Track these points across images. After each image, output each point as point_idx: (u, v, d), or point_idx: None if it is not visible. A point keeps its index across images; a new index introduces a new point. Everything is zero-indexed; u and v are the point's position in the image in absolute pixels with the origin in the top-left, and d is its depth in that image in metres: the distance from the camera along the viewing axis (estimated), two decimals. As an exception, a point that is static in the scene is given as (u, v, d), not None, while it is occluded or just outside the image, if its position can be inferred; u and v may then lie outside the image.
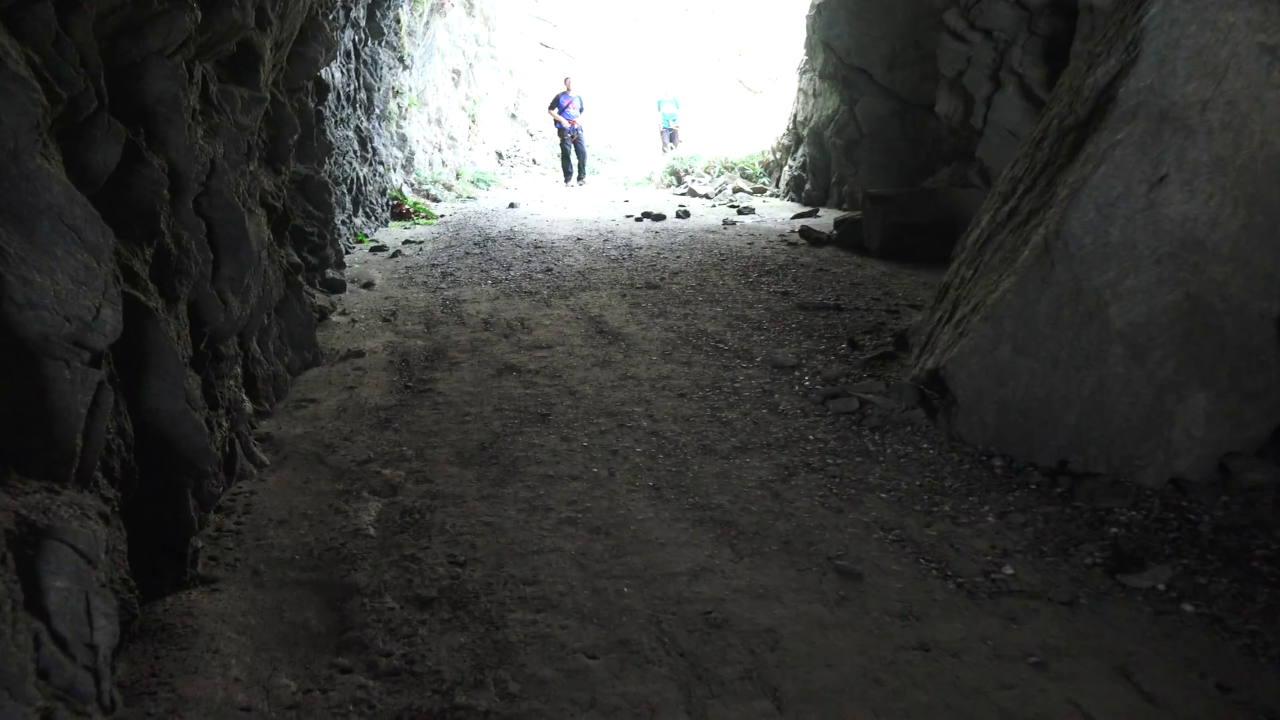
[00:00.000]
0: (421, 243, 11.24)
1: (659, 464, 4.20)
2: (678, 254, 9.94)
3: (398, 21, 14.49)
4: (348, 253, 10.36)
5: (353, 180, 11.46)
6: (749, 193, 17.16)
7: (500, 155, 22.12)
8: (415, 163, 16.58)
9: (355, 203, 11.68)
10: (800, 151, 15.78)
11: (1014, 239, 4.31)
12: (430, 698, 2.55)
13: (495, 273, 9.04)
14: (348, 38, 11.74)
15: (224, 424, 3.85)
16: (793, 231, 11.60)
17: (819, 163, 14.98)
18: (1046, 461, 3.99)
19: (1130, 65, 3.96)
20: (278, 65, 5.90)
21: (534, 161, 22.46)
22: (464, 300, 7.83)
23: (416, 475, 4.11)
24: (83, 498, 2.41)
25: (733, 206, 15.43)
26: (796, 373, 5.46)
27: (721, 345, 6.14)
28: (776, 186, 17.09)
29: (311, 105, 8.50)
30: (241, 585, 3.15)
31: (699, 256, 9.75)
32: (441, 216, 13.98)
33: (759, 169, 18.07)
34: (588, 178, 20.46)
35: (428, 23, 16.69)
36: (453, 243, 11.08)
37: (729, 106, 30.07)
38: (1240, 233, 3.76)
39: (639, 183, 20.14)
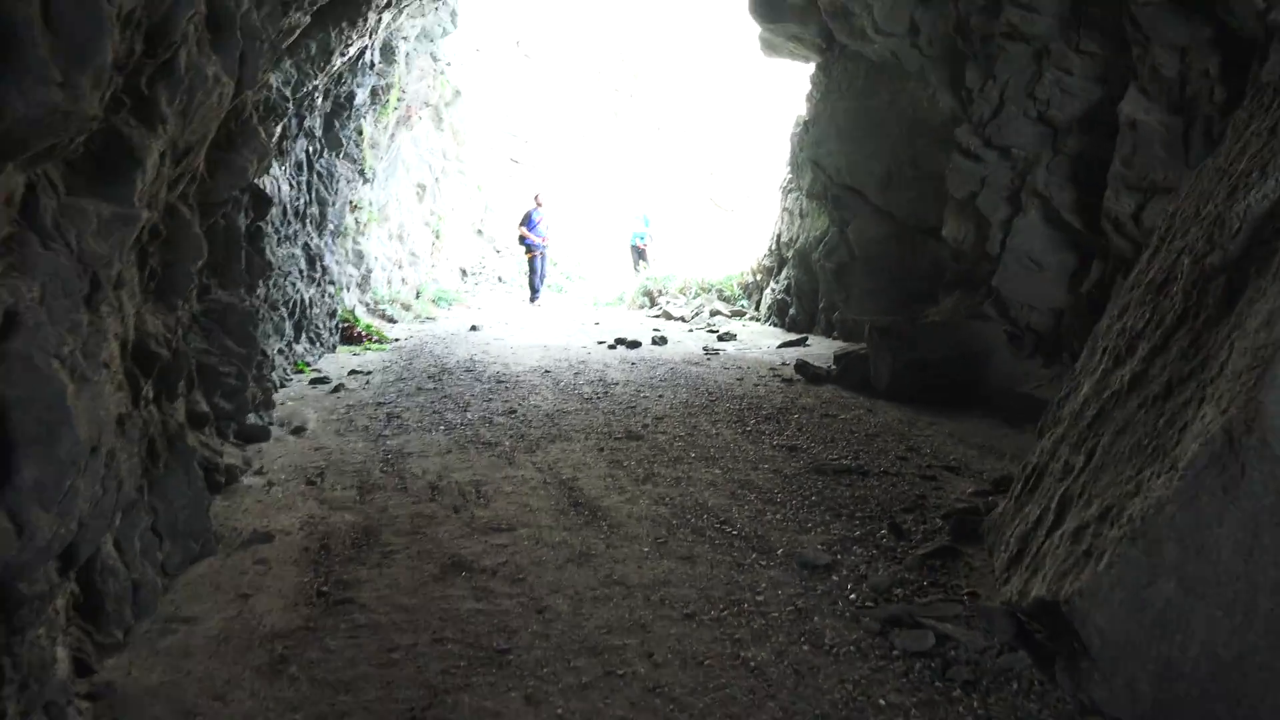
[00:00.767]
0: (370, 374, 9.98)
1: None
2: (660, 392, 8.76)
3: (359, 133, 13.56)
4: (282, 386, 9.07)
5: (295, 303, 10.25)
6: (727, 315, 16.21)
7: (464, 272, 21.15)
8: (373, 280, 15.46)
9: (298, 328, 10.45)
10: (784, 274, 14.89)
11: (1152, 419, 3.16)
12: None
13: (450, 415, 7.77)
14: (300, 148, 10.72)
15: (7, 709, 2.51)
16: (784, 364, 10.51)
17: (805, 286, 14.06)
18: (1235, 756, 2.74)
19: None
20: (187, 173, 4.74)
21: (499, 279, 21.51)
22: (410, 453, 6.53)
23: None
24: None
25: (712, 331, 14.42)
26: (834, 576, 4.19)
27: (729, 528, 4.88)
28: (757, 310, 16.15)
29: (244, 222, 7.34)
30: None
31: (684, 395, 8.56)
32: (396, 341, 12.76)
33: (738, 290, 17.18)
34: (544, 296, 19.62)
35: (393, 135, 15.83)
36: (404, 374, 9.83)
37: (701, 224, 29.63)
38: None
39: (609, 303, 19.18)
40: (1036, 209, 8.82)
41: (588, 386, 9.02)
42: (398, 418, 7.70)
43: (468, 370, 9.93)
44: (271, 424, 7.38)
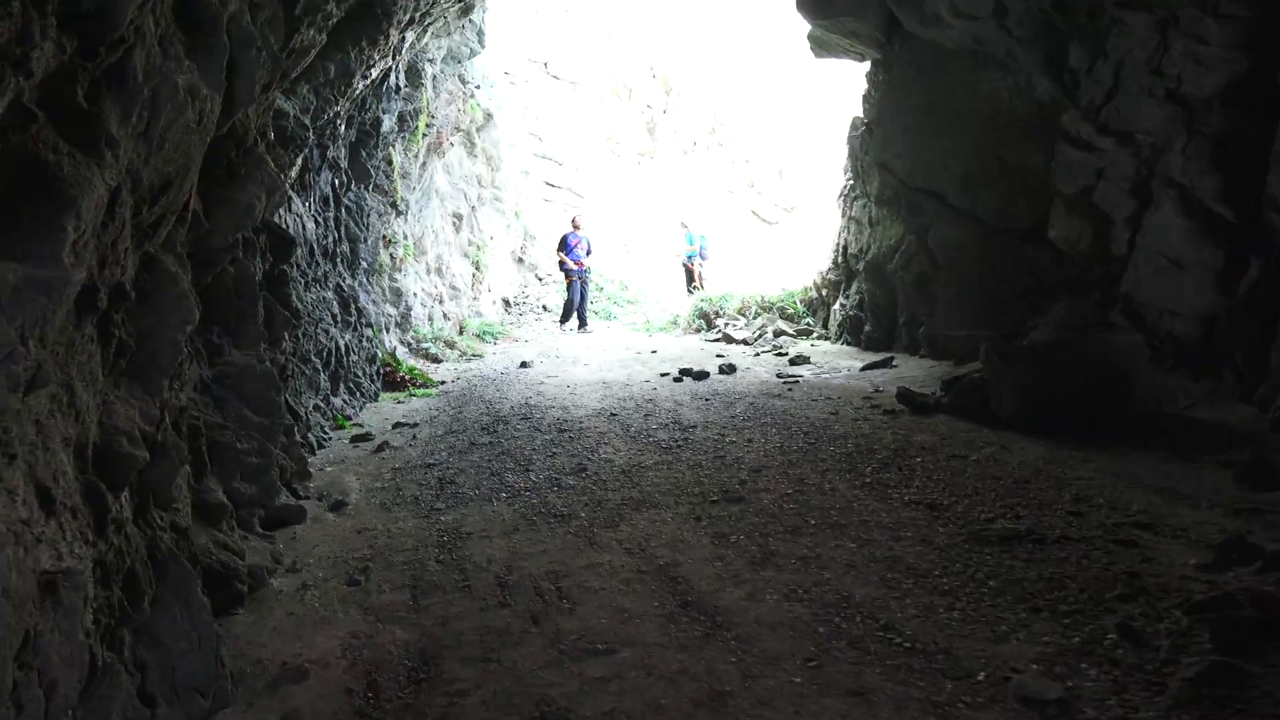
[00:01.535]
0: (416, 425, 8.94)
1: None
2: (746, 434, 7.60)
3: (388, 163, 12.61)
4: (320, 447, 8.06)
5: (330, 352, 9.25)
6: (793, 335, 15.02)
7: (508, 303, 20.18)
8: (413, 318, 14.48)
9: (334, 379, 9.45)
10: (854, 288, 13.67)
11: None
12: None
13: (511, 476, 6.67)
14: (325, 181, 9.77)
15: None
16: (877, 391, 9.30)
17: (880, 300, 12.84)
18: None
19: None
20: (170, 215, 3.69)
21: (544, 308, 20.50)
22: (469, 533, 5.43)
23: None
24: None
25: (780, 354, 13.24)
26: (1076, 720, 3.00)
27: (896, 637, 3.69)
28: (824, 328, 14.93)
29: (260, 268, 6.34)
30: None
31: (776, 438, 7.39)
32: (442, 384, 11.73)
33: (800, 308, 15.97)
34: (592, 323, 18.71)
35: (424, 164, 14.89)
36: (454, 425, 8.77)
37: (745, 239, 28.53)
38: None
39: (662, 327, 18.07)
40: (1172, 201, 7.56)
41: (663, 432, 7.88)
42: (451, 483, 6.62)
43: (524, 418, 8.84)
44: (308, 498, 6.35)
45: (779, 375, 11.06)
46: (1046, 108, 9.77)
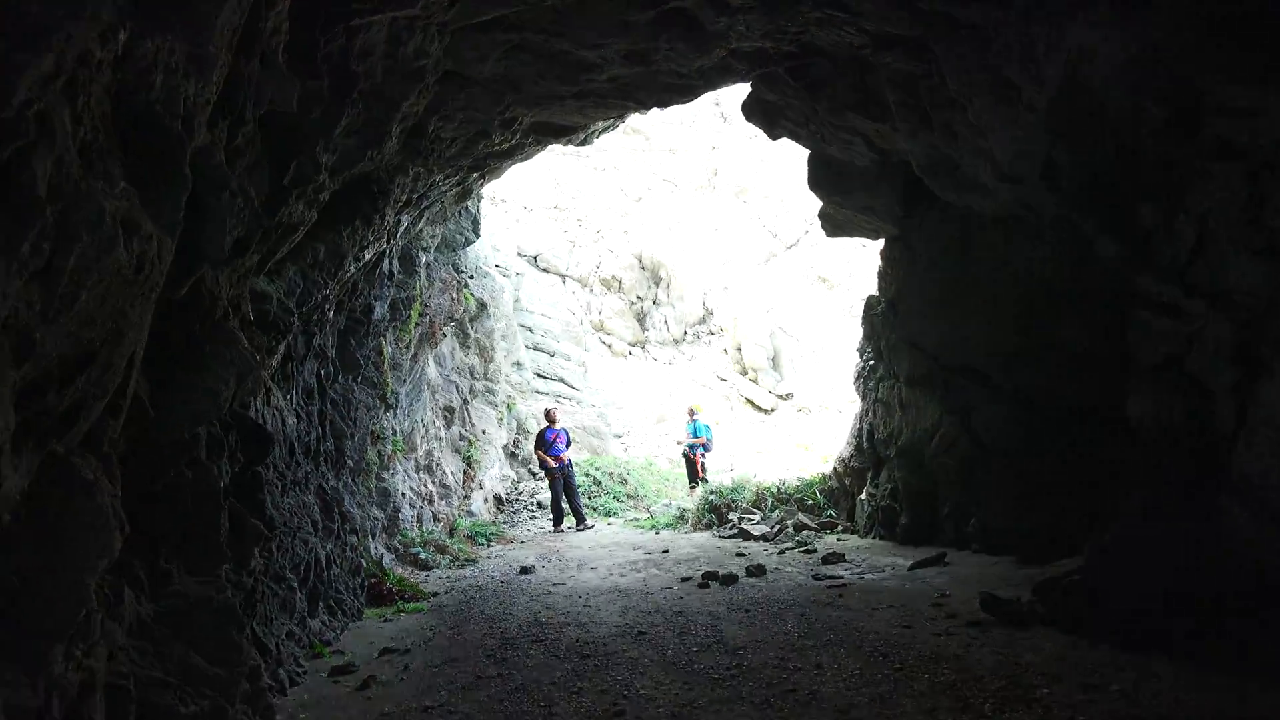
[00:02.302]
0: (408, 652, 7.55)
1: None
2: (811, 656, 6.29)
3: (379, 353, 11.72)
4: (293, 684, 6.67)
5: (309, 565, 7.97)
6: (815, 529, 13.77)
7: (500, 500, 18.92)
8: (401, 520, 13.16)
9: (313, 597, 8.11)
10: (884, 476, 12.58)
11: None
12: None
13: (531, 726, 5.32)
14: (310, 371, 8.78)
15: None
16: (943, 596, 8.04)
17: (916, 489, 11.72)
18: None
19: None
20: (91, 400, 2.62)
21: (539, 505, 19.21)
22: (488, 820, 4.07)
23: None
24: None
25: (806, 550, 11.98)
26: None
27: None
28: (850, 519, 13.72)
29: (226, 471, 5.20)
30: None
31: (850, 664, 6.08)
32: (435, 596, 10.34)
33: (820, 498, 14.80)
34: (590, 518, 17.52)
35: (415, 354, 14.02)
36: (454, 651, 7.39)
37: (741, 427, 27.68)
38: None
39: (669, 523, 16.76)
40: (1287, 367, 6.63)
41: (707, 656, 6.55)
42: (455, 738, 5.25)
43: (536, 640, 7.47)
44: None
45: (816, 577, 9.80)
46: (1082, 278, 9.08)
